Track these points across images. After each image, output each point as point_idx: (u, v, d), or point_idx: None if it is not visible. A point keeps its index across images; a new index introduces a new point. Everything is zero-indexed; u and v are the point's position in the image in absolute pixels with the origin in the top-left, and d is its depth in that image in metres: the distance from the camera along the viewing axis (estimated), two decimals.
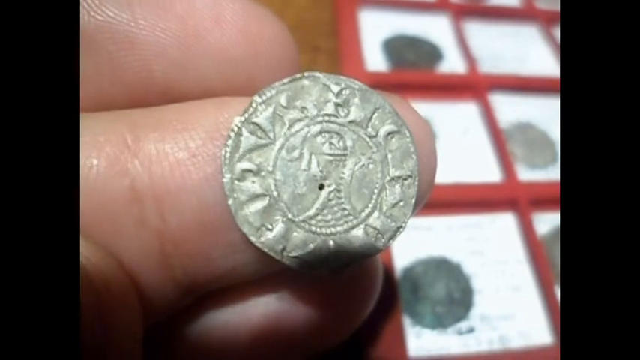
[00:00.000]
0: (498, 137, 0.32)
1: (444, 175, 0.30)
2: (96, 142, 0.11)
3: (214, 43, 0.12)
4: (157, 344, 0.13)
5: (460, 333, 0.25)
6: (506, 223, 0.29)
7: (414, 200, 0.12)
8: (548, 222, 0.29)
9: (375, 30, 0.37)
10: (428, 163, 0.13)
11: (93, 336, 0.09)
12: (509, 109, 0.35)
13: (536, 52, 0.39)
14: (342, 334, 0.15)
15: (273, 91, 0.12)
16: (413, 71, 0.35)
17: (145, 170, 0.11)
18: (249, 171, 0.11)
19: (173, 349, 0.14)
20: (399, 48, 0.36)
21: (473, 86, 0.35)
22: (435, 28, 0.38)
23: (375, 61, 0.35)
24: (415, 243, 0.27)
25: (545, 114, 0.35)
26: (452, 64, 0.36)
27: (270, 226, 0.11)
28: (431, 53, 0.36)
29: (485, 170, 0.31)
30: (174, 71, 0.12)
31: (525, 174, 0.31)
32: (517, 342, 0.25)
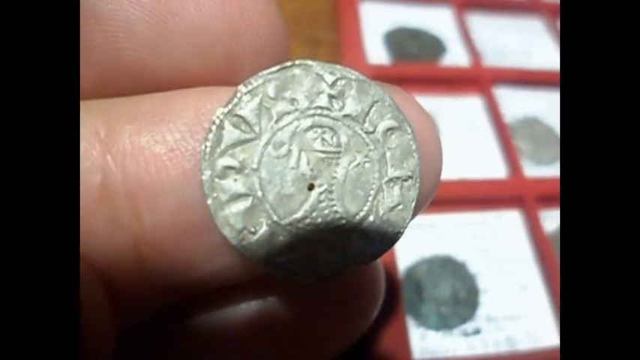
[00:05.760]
0: (504, 132, 0.31)
1: (448, 172, 0.29)
2: None
3: (189, 17, 0.11)
4: (146, 341, 0.12)
5: (466, 334, 0.24)
6: (512, 220, 0.29)
7: (414, 204, 0.11)
8: (555, 219, 0.29)
9: (376, 22, 0.36)
10: (431, 162, 0.12)
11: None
12: (515, 103, 0.34)
13: (541, 46, 0.38)
14: (340, 346, 0.14)
15: (260, 81, 0.11)
16: (415, 64, 0.34)
17: (117, 166, 0.10)
18: (232, 168, 0.10)
19: (162, 348, 0.13)
20: (401, 40, 0.35)
21: (477, 80, 0.34)
22: (437, 20, 0.37)
23: (377, 53, 0.34)
24: (419, 241, 0.27)
25: (551, 109, 0.34)
26: (455, 57, 0.35)
27: (253, 229, 0.10)
28: (434, 46, 0.35)
29: (491, 166, 0.30)
30: (145, 50, 0.11)
31: (532, 170, 0.30)
32: (525, 343, 0.24)
